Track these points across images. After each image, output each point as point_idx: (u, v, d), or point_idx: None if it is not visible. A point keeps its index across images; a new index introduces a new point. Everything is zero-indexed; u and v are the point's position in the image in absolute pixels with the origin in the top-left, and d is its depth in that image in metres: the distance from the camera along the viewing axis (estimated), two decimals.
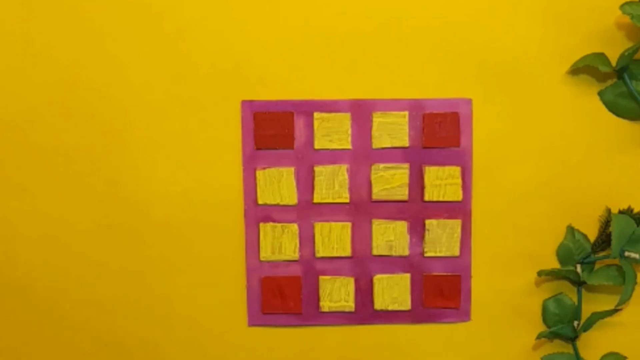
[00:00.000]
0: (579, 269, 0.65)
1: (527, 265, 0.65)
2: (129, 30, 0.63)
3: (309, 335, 0.66)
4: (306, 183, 0.64)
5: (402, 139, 0.64)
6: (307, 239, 0.65)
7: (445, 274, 0.65)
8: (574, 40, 0.63)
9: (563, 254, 0.65)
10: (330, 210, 0.65)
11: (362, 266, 0.65)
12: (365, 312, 0.66)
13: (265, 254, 0.65)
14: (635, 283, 0.63)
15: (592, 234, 0.65)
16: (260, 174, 0.64)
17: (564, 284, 0.66)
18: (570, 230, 0.65)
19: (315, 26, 0.63)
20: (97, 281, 0.65)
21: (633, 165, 0.64)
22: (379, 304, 0.65)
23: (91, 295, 0.66)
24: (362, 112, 0.64)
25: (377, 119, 0.64)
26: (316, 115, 0.64)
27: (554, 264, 0.65)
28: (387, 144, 0.64)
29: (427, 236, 0.65)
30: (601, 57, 0.62)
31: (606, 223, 0.64)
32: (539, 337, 0.65)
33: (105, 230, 0.65)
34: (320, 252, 0.65)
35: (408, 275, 0.65)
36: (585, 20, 0.63)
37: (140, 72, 0.63)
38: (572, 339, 0.66)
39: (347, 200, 0.64)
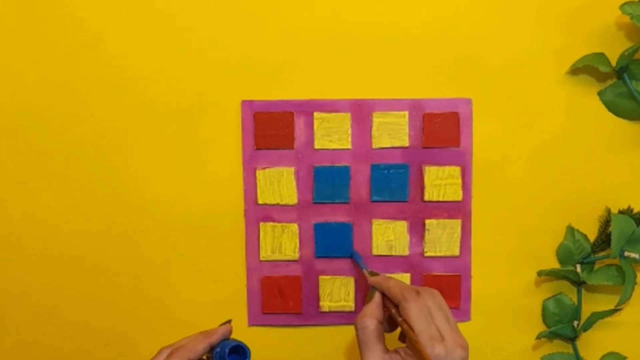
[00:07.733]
0: (578, 269, 0.65)
1: (527, 265, 0.65)
2: (129, 30, 0.63)
3: (309, 335, 0.66)
4: (306, 183, 0.64)
5: (402, 139, 0.64)
6: (307, 239, 0.65)
7: (445, 273, 0.65)
8: (574, 40, 0.63)
9: (563, 254, 0.65)
10: (330, 210, 0.65)
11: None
12: None
13: (265, 253, 0.65)
14: (635, 283, 0.63)
15: (592, 234, 0.65)
16: (260, 174, 0.64)
17: (564, 284, 0.66)
18: (570, 230, 0.65)
19: (315, 26, 0.63)
20: (96, 281, 0.65)
21: (633, 165, 0.64)
22: None
23: (91, 295, 0.66)
24: (362, 112, 0.64)
25: (377, 119, 0.64)
26: (316, 115, 0.64)
27: (553, 264, 0.65)
28: (387, 144, 0.64)
29: (427, 236, 0.65)
30: (601, 57, 0.62)
31: (606, 223, 0.64)
32: (539, 337, 0.65)
33: (105, 230, 0.65)
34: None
35: (408, 275, 0.65)
36: (585, 20, 0.63)
37: (140, 72, 0.63)
38: (572, 339, 0.66)
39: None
